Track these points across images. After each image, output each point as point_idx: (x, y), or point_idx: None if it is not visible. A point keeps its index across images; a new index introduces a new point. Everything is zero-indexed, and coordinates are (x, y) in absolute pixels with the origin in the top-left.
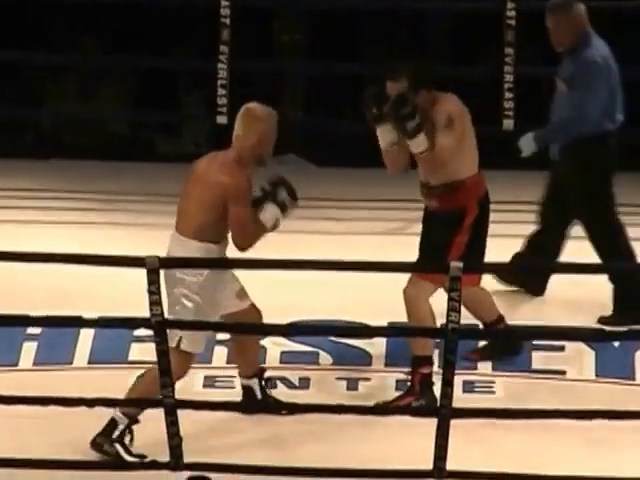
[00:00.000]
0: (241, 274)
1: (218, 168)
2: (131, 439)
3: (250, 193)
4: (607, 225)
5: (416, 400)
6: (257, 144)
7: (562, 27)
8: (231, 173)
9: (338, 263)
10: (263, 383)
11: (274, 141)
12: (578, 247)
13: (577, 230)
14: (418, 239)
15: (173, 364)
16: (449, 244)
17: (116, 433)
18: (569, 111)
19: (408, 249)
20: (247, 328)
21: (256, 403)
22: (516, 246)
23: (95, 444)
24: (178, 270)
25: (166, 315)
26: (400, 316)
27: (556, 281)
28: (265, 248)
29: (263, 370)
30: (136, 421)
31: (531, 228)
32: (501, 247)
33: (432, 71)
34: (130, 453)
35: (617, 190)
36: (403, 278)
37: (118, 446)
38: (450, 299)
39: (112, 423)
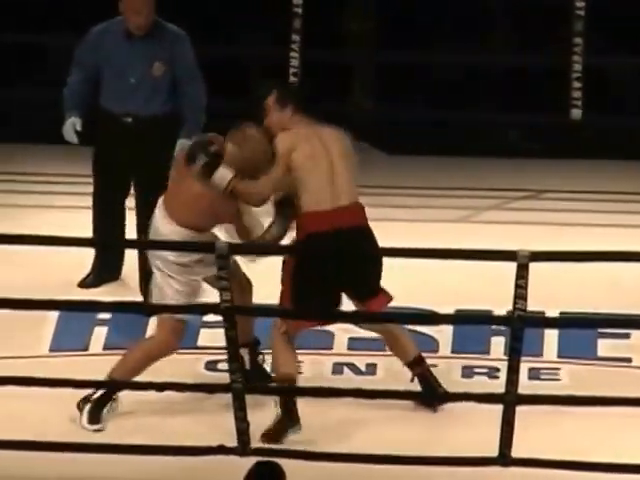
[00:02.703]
0: None
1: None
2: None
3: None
4: None
5: None
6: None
7: None
8: None
9: (407, 250)
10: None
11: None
12: None
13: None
14: (486, 227)
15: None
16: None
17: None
18: None
19: (477, 237)
20: (312, 314)
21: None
22: (583, 234)
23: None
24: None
25: None
26: (467, 303)
27: (620, 268)
28: None
29: (257, 342)
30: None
31: (597, 217)
32: (566, 235)
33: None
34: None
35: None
36: (471, 266)
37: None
38: (517, 286)
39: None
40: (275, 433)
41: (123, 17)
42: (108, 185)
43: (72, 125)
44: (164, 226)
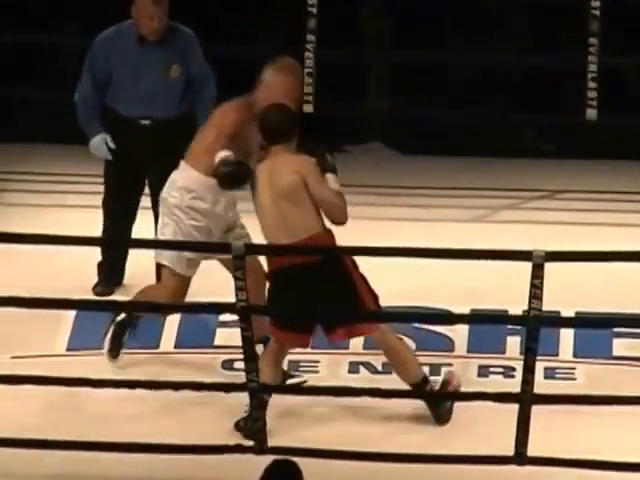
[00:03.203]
0: None
1: None
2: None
3: None
4: None
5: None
6: None
7: None
8: None
9: (423, 250)
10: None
11: None
12: None
13: None
14: (502, 226)
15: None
16: None
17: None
18: None
19: (492, 237)
20: (334, 316)
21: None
22: (597, 234)
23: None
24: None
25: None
26: (483, 303)
27: (636, 268)
28: (350, 234)
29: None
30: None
31: (612, 217)
32: (581, 235)
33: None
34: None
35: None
36: (486, 265)
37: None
38: (532, 286)
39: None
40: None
41: (133, 21)
42: (124, 186)
43: (103, 141)
44: (181, 175)
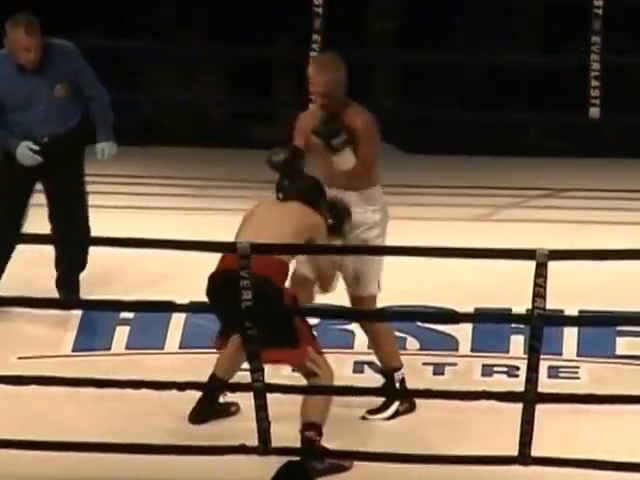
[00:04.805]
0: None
1: None
2: None
3: None
4: None
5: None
6: None
7: None
8: None
9: (427, 249)
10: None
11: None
12: None
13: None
14: (505, 225)
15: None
16: None
17: None
18: None
19: (496, 235)
20: (335, 313)
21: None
22: (601, 232)
23: None
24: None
25: None
26: (486, 301)
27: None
28: None
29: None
30: None
31: (615, 215)
32: (585, 234)
33: None
34: None
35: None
36: (491, 264)
37: None
38: (536, 285)
39: None
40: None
41: (9, 52)
42: (14, 189)
43: (27, 148)
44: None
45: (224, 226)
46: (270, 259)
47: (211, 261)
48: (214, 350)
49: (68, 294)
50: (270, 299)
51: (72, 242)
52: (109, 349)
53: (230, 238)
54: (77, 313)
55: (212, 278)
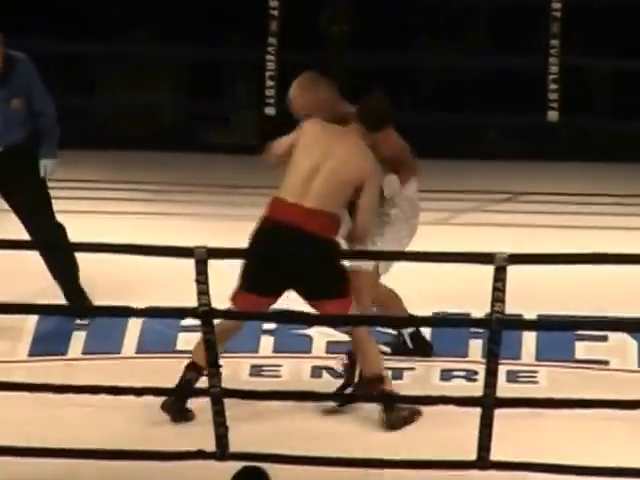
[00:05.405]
0: None
1: None
2: None
3: None
4: None
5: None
6: None
7: None
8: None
9: (385, 253)
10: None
11: None
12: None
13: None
14: (464, 229)
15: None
16: None
17: None
18: None
19: (455, 239)
20: (292, 317)
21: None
22: (560, 236)
23: None
24: None
25: None
26: (445, 306)
27: (597, 271)
28: None
29: None
30: None
31: (574, 219)
32: (543, 238)
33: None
34: None
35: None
36: (446, 268)
37: None
38: (495, 289)
39: None
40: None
41: None
42: None
43: None
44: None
45: (178, 230)
46: (321, 213)
47: (166, 266)
48: (171, 355)
49: (71, 300)
50: (319, 254)
51: (47, 248)
52: (66, 354)
53: (185, 243)
54: (33, 318)
55: (262, 224)
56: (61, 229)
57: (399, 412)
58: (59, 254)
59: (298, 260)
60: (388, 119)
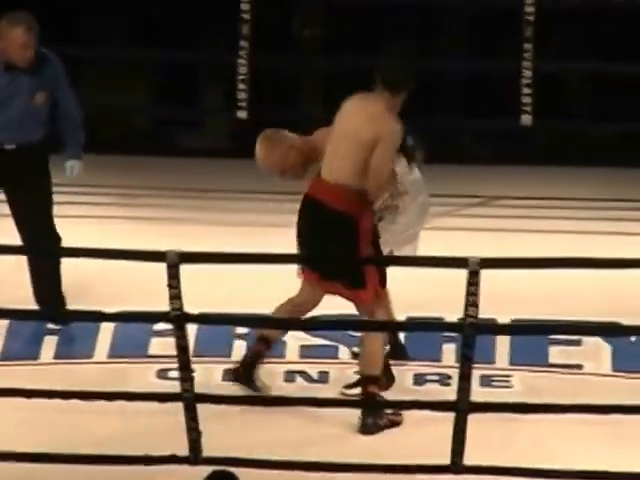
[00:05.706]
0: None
1: None
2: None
3: None
4: None
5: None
6: None
7: None
8: None
9: (357, 258)
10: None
11: None
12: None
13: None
14: (437, 233)
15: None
16: None
17: None
18: None
19: (428, 244)
20: (269, 322)
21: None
22: (534, 241)
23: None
24: None
25: None
26: (419, 310)
27: (571, 275)
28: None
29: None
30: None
31: (548, 224)
32: (517, 242)
33: None
34: None
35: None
36: (420, 272)
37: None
38: (468, 293)
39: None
40: None
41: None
42: None
43: None
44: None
45: (151, 234)
46: (344, 189)
47: (137, 270)
48: (143, 359)
49: (49, 306)
50: (343, 237)
51: (39, 253)
52: (37, 358)
53: (155, 247)
54: (4, 323)
55: (304, 200)
56: (57, 240)
57: (378, 419)
58: (49, 261)
59: (318, 237)
60: (413, 80)
